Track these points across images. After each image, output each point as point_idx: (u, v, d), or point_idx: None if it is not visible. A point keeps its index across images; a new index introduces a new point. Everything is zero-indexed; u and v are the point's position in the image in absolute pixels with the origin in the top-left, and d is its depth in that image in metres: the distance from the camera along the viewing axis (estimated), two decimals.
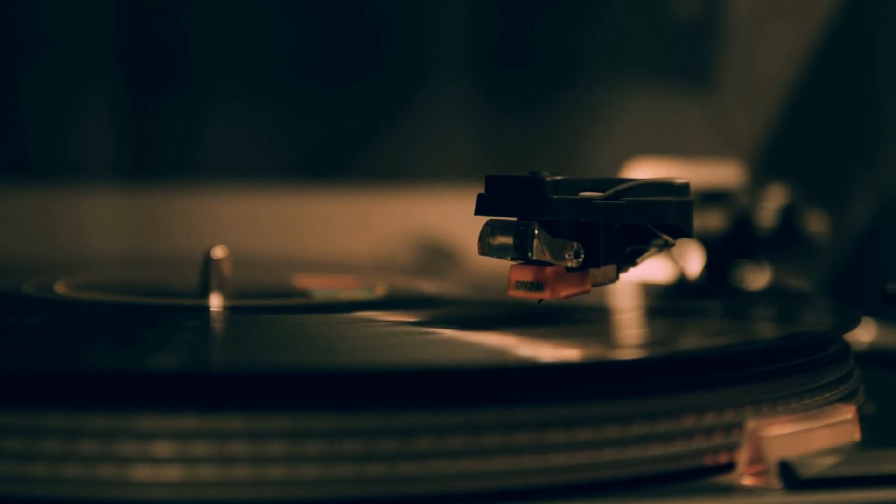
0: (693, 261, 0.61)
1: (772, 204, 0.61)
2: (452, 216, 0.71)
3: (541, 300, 0.38)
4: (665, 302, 0.52)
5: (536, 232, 0.37)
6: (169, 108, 0.77)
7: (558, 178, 0.37)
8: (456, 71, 0.79)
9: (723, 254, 0.61)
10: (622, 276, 0.40)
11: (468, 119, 0.79)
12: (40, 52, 0.75)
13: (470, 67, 0.80)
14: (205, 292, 0.46)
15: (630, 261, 0.40)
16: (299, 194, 0.77)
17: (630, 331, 0.42)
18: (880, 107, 0.73)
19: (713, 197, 0.61)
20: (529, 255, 0.37)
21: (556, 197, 0.37)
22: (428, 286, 0.53)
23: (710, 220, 0.60)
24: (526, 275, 0.38)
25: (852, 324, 0.42)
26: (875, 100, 0.74)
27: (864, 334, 0.53)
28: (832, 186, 0.73)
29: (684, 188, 0.40)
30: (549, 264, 0.38)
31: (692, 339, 0.40)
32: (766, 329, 0.45)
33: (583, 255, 0.38)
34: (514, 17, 0.81)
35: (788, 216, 0.61)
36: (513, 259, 0.38)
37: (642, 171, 0.65)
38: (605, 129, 0.80)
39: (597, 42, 0.81)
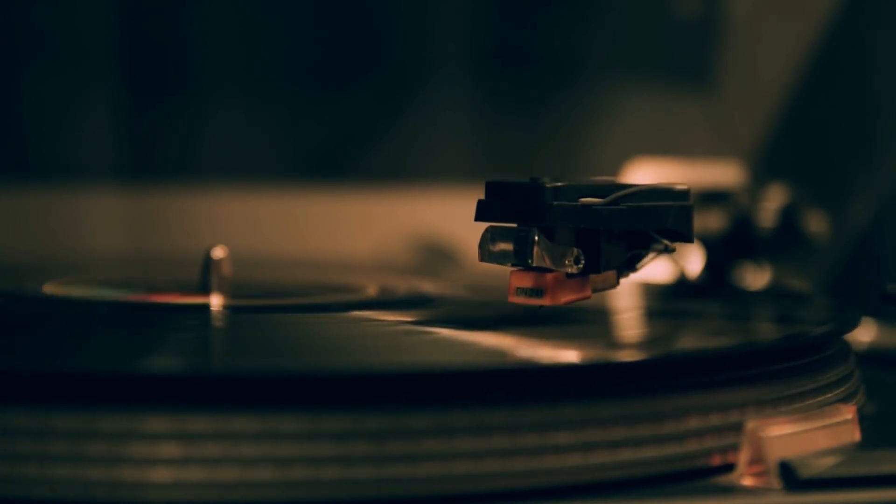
0: (693, 261, 0.61)
1: (772, 204, 0.61)
2: (452, 216, 0.71)
3: (541, 306, 0.38)
4: (665, 302, 0.52)
5: (536, 238, 0.37)
6: (169, 109, 0.77)
7: (558, 184, 0.37)
8: (456, 71, 0.79)
9: (723, 254, 0.61)
10: (622, 281, 0.40)
11: (468, 119, 0.79)
12: (40, 53, 0.75)
13: (470, 68, 0.80)
14: (205, 292, 0.46)
15: (630, 266, 0.40)
16: (299, 194, 0.77)
17: (630, 331, 0.42)
18: (880, 107, 0.73)
19: (713, 197, 0.61)
20: (529, 261, 0.37)
21: (555, 203, 0.37)
22: (428, 286, 0.53)
23: (710, 221, 0.60)
24: (526, 281, 0.38)
25: (852, 324, 0.42)
26: (875, 100, 0.74)
27: (864, 334, 0.53)
28: (832, 186, 0.73)
29: (684, 194, 0.40)
30: (549, 270, 0.38)
31: (692, 340, 0.40)
32: (766, 329, 0.45)
33: (583, 262, 0.38)
34: (514, 17, 0.81)
35: (788, 216, 0.61)
36: (513, 265, 0.38)
37: (642, 170, 0.65)
38: (605, 129, 0.80)
39: (597, 42, 0.81)
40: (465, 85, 0.79)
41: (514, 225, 0.37)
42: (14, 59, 0.75)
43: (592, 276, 0.39)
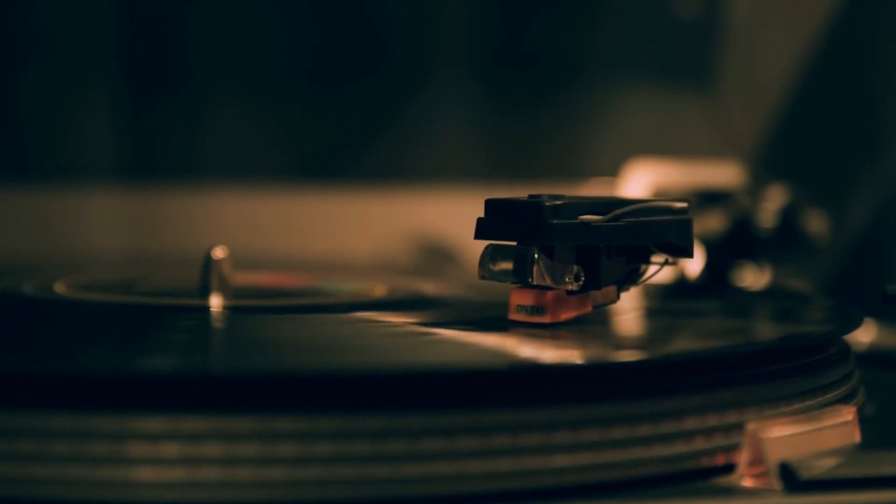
0: (693, 261, 0.61)
1: (772, 204, 0.61)
2: (452, 216, 0.71)
3: (542, 325, 0.38)
4: (665, 303, 0.52)
5: (536, 257, 0.37)
6: (169, 109, 0.77)
7: (557, 202, 0.37)
8: (456, 72, 0.79)
9: (723, 254, 0.60)
10: (623, 295, 0.40)
11: (469, 120, 0.79)
12: (40, 52, 0.75)
13: (470, 68, 0.80)
14: (205, 292, 0.46)
15: (631, 280, 0.40)
16: (299, 194, 0.77)
17: (630, 332, 0.42)
18: (880, 107, 0.73)
19: (713, 197, 0.61)
20: (529, 280, 0.37)
21: (555, 222, 0.37)
22: (428, 286, 0.53)
23: (710, 221, 0.60)
24: (526, 299, 0.38)
25: (853, 325, 0.41)
26: (875, 100, 0.74)
27: (864, 335, 0.53)
28: (832, 186, 0.73)
29: (683, 210, 0.40)
30: (549, 288, 0.38)
31: (692, 341, 0.40)
32: (766, 330, 0.45)
33: (583, 278, 0.38)
34: (515, 18, 0.81)
35: (788, 216, 0.61)
36: (513, 283, 0.38)
37: (642, 171, 0.65)
38: (605, 129, 0.80)
39: (597, 42, 0.81)
40: (466, 85, 0.79)
41: (514, 243, 0.37)
42: (14, 59, 0.75)
43: (593, 292, 0.39)
